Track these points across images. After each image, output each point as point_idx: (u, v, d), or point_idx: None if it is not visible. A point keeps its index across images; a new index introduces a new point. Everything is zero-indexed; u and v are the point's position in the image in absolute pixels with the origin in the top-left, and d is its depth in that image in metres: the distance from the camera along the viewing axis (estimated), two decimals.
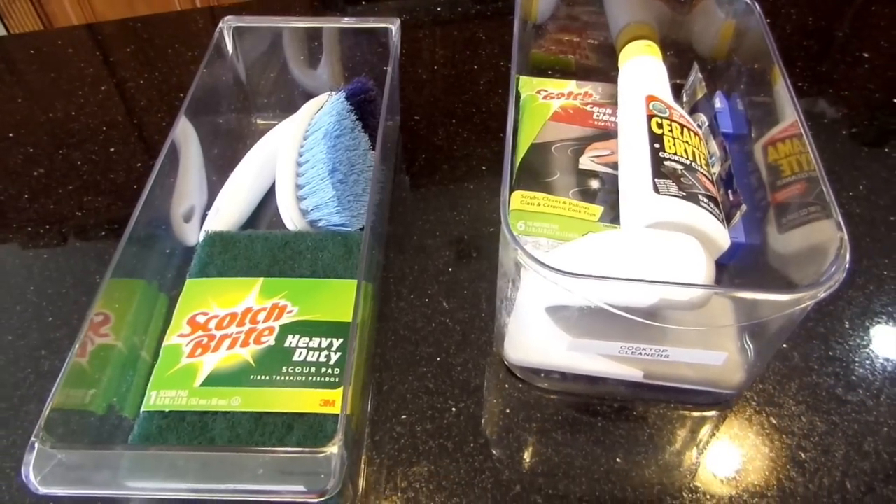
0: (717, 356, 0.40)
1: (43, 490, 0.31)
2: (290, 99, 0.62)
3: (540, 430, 0.42)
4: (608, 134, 0.56)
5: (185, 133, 0.53)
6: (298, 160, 0.48)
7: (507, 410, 0.43)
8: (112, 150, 0.60)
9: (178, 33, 0.73)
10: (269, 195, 0.54)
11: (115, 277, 0.41)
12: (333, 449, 0.31)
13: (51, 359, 0.46)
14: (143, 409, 0.39)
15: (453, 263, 0.51)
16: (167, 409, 0.38)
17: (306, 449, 0.32)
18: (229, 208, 0.51)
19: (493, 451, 0.41)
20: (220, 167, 0.55)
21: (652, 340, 0.40)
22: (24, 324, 0.47)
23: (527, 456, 0.41)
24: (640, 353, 0.40)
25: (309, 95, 0.55)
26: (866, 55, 0.69)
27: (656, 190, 0.45)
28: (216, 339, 0.41)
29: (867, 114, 0.63)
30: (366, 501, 0.39)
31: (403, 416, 0.43)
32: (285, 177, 0.47)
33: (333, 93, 0.52)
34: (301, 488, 0.32)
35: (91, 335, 0.40)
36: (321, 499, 0.31)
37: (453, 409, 0.43)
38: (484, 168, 0.58)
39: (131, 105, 0.64)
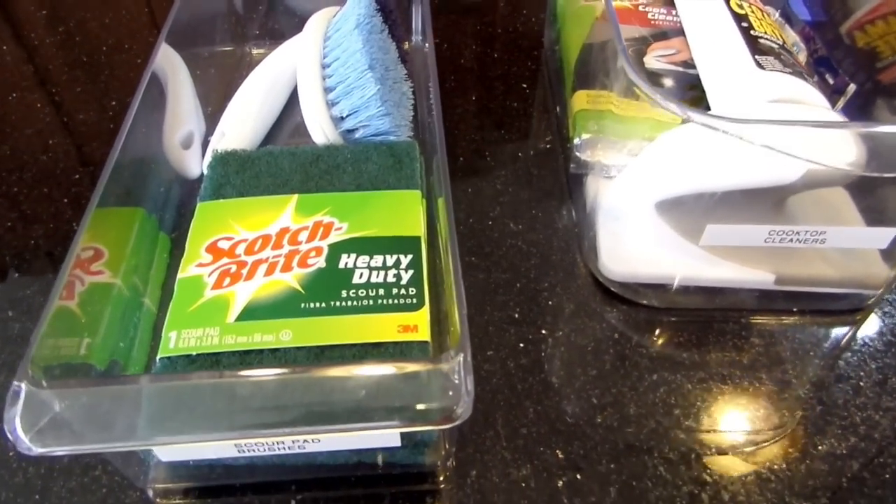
0: (881, 235, 0.32)
1: (38, 449, 0.21)
2: (290, 27, 0.53)
3: (661, 356, 0.34)
4: (665, 33, 0.49)
5: (170, 60, 0.44)
6: (324, 61, 0.39)
7: (616, 336, 0.35)
8: (79, 90, 0.50)
9: None
10: (283, 117, 0.45)
11: (104, 206, 0.31)
12: (458, 358, 0.22)
13: (21, 320, 0.35)
14: (160, 356, 0.29)
15: (512, 183, 0.43)
16: (194, 353, 0.28)
17: (424, 360, 0.23)
18: (237, 131, 0.41)
19: (611, 384, 0.33)
20: (214, 101, 0.46)
21: (804, 219, 0.32)
22: None
23: (653, 386, 0.33)
24: (792, 239, 0.32)
25: None
26: None
27: (760, 66, 0.38)
28: (248, 266, 0.32)
29: None
30: (464, 455, 0.30)
31: (490, 352, 0.34)
32: (310, 77, 0.38)
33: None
34: (395, 423, 0.23)
35: (80, 273, 0.30)
36: (448, 426, 0.22)
37: (549, 339, 0.35)
38: (525, 86, 0.51)
39: (96, 45, 0.54)
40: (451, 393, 0.21)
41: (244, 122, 0.42)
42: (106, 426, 0.21)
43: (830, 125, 0.28)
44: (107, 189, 0.32)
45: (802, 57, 0.45)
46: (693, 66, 0.43)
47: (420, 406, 0.22)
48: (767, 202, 0.35)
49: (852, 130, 0.28)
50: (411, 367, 0.22)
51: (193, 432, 0.22)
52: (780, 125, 0.27)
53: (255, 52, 0.52)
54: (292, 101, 0.46)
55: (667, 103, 0.28)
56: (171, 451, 0.25)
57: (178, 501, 0.29)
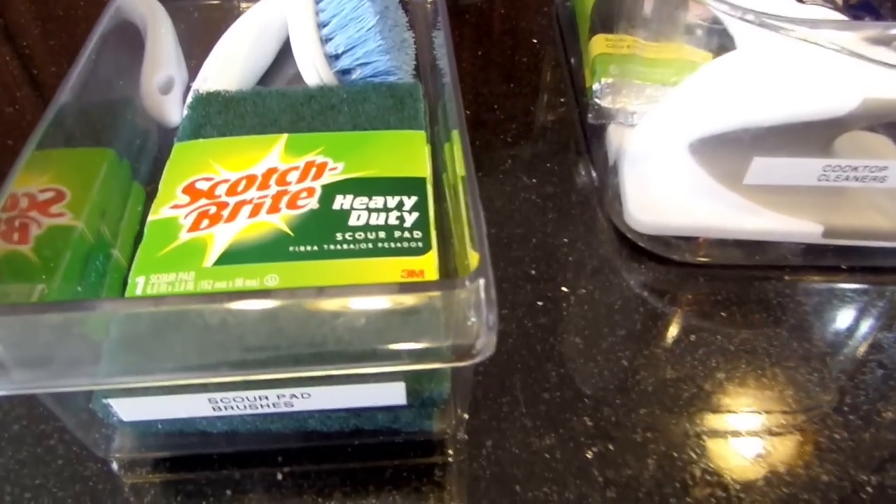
0: None
1: None
2: None
3: (699, 314, 0.30)
4: None
5: (149, 4, 0.41)
6: None
7: (646, 293, 0.31)
8: (52, 42, 0.46)
9: None
10: (275, 69, 0.41)
11: (54, 146, 0.27)
12: (479, 283, 0.18)
13: None
14: None
15: (524, 136, 0.39)
16: None
17: (436, 285, 0.19)
18: (221, 75, 0.37)
19: (643, 345, 0.29)
20: (199, 55, 0.42)
21: (861, 152, 0.28)
22: None
23: (691, 347, 0.29)
24: (849, 176, 0.28)
25: None
26: None
27: (800, 0, 0.35)
28: (229, 207, 0.28)
29: None
30: (478, 422, 0.26)
31: (505, 311, 0.30)
32: (302, 9, 0.34)
33: None
34: (403, 360, 0.19)
35: (36, 216, 0.26)
36: (466, 363, 0.18)
37: (571, 297, 0.31)
38: (535, 42, 0.47)
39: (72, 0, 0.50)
40: (469, 324, 0.18)
41: (230, 66, 0.38)
42: (45, 362, 0.17)
43: None
44: (59, 126, 0.28)
45: (839, 1, 0.41)
46: (719, 21, 0.39)
47: (432, 341, 0.18)
48: (814, 145, 0.31)
49: None
50: (422, 295, 0.18)
51: (155, 372, 0.18)
52: (856, 28, 0.23)
53: (243, 5, 0.48)
54: (285, 53, 0.42)
55: (720, 4, 0.24)
56: (133, 404, 0.21)
57: (146, 475, 0.25)
